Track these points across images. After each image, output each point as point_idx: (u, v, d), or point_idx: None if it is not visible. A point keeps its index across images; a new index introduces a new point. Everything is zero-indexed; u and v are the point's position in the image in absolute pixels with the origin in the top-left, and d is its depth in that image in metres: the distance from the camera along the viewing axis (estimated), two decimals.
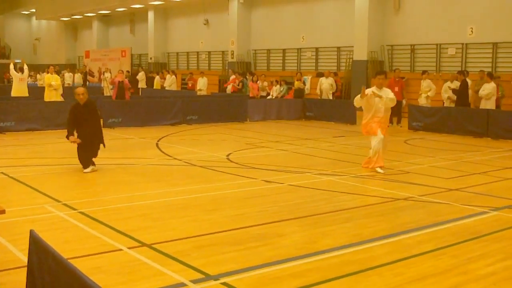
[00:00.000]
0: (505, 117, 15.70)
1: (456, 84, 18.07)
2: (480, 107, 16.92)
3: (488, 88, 16.91)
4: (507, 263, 5.41)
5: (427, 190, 8.78)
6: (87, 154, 9.85)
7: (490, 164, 11.39)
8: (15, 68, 20.26)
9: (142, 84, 30.50)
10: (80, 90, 9.98)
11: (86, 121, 9.78)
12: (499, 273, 5.13)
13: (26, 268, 3.74)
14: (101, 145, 10.04)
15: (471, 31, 21.45)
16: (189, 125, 18.09)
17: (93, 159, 9.90)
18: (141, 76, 31.21)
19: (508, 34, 20.25)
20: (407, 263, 5.34)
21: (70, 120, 9.88)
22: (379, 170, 10.05)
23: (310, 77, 25.56)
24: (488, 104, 16.77)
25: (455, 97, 17.93)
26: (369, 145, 10.48)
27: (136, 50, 40.41)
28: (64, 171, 9.84)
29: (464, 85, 17.75)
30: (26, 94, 19.31)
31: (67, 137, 9.83)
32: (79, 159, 9.88)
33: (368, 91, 10.27)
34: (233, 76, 25.87)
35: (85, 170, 9.73)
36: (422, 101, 18.56)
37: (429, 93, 18.56)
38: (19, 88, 19.24)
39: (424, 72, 19.30)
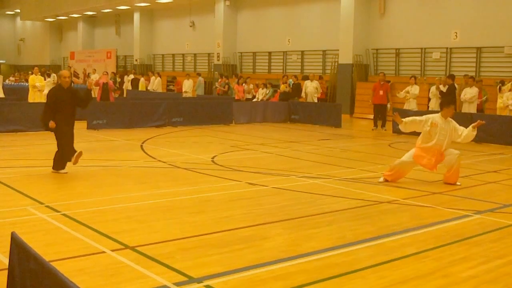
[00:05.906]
0: (488, 121, 15.79)
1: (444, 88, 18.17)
2: (462, 111, 17.06)
3: (471, 92, 17.06)
4: (488, 266, 5.46)
5: (411, 193, 8.83)
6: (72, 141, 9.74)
7: (473, 168, 11.50)
8: None
9: (127, 86, 30.42)
10: (66, 73, 9.86)
11: (68, 106, 9.61)
12: (481, 276, 5.17)
13: (7, 271, 3.71)
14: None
15: (456, 35, 21.67)
16: (175, 127, 18.04)
17: (75, 162, 9.70)
18: (130, 77, 31.06)
19: (491, 39, 20.49)
20: (391, 266, 5.37)
21: (50, 105, 9.51)
22: (381, 179, 9.68)
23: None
24: (471, 108, 16.94)
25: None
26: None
27: (122, 52, 40.26)
28: (48, 173, 9.75)
29: (451, 89, 17.87)
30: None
31: (46, 123, 9.45)
32: (68, 151, 9.55)
33: (430, 117, 9.70)
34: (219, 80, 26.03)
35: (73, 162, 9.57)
36: (412, 105, 18.51)
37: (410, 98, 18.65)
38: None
39: (412, 77, 19.37)
